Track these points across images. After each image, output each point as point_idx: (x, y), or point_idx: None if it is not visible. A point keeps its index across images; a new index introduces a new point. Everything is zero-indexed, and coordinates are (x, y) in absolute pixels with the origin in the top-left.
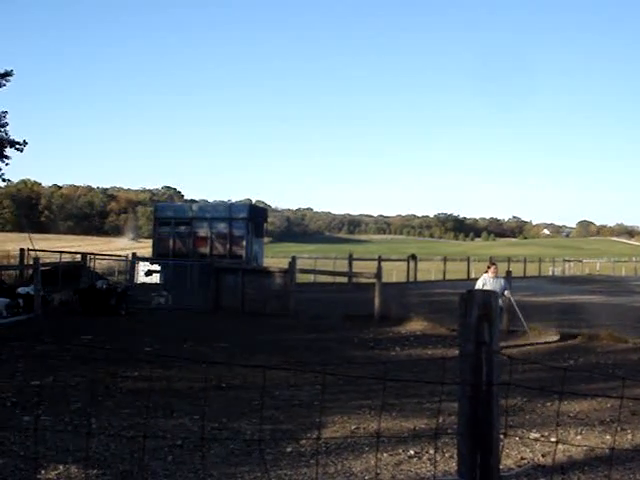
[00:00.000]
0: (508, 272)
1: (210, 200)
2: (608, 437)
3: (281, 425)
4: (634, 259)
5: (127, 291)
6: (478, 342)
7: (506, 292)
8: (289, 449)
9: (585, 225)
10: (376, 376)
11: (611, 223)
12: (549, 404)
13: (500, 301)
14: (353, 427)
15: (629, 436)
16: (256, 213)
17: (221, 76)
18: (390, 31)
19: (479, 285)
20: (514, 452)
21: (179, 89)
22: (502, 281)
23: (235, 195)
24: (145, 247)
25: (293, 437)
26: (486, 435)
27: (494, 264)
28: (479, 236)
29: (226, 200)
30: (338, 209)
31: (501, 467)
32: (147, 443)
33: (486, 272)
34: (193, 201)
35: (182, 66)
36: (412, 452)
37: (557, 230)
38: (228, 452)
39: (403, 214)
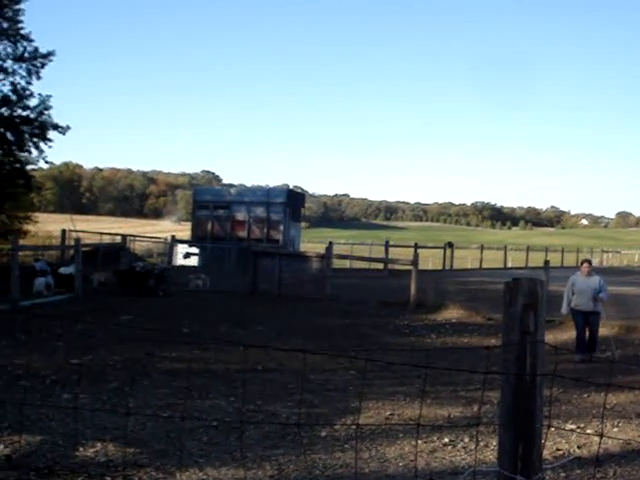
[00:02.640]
0: (546, 262)
1: (248, 184)
2: None
3: (316, 409)
4: None
5: (165, 273)
6: (523, 332)
7: (602, 294)
8: (324, 433)
9: (624, 216)
10: (415, 364)
11: None
12: (585, 395)
13: (592, 304)
14: (387, 413)
15: None
16: (294, 198)
17: (260, 61)
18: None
19: (568, 286)
20: (550, 443)
21: (219, 73)
22: (597, 280)
23: (273, 180)
24: (187, 230)
25: (328, 421)
26: (529, 427)
27: (587, 261)
28: (516, 225)
29: (264, 185)
30: (375, 195)
31: None
32: (183, 423)
33: (579, 270)
34: (231, 185)
35: (220, 50)
36: (447, 440)
37: (595, 220)
38: (263, 434)
39: (440, 202)
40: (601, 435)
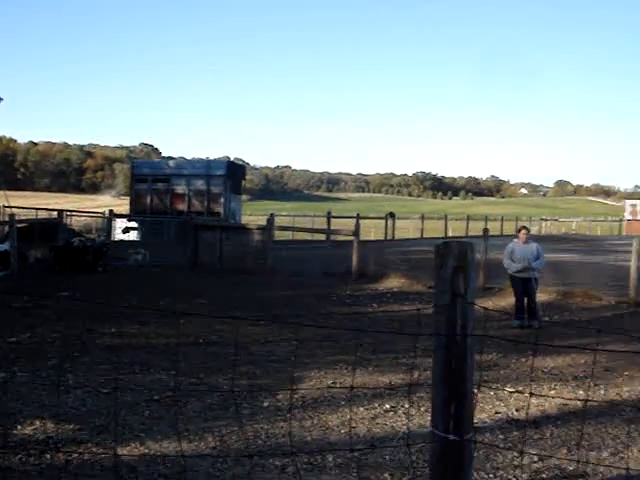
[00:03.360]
0: (485, 230)
1: (188, 157)
2: (581, 392)
3: (258, 380)
4: (610, 219)
5: (103, 248)
6: (453, 294)
7: (538, 261)
8: (266, 404)
9: (562, 184)
10: (353, 328)
11: (588, 183)
12: (524, 359)
13: (530, 271)
14: (330, 382)
15: (602, 391)
16: (234, 170)
17: (195, 30)
18: None
19: (507, 253)
20: (489, 406)
21: (154, 43)
22: (535, 247)
23: (213, 152)
24: (126, 204)
25: (270, 392)
26: (460, 386)
27: (525, 228)
28: (457, 195)
29: (204, 157)
30: (317, 167)
31: (476, 421)
32: (124, 398)
33: (516, 237)
34: (170, 158)
35: (155, 19)
36: (388, 406)
37: (534, 189)
38: (205, 406)
39: (382, 172)
40: (531, 394)
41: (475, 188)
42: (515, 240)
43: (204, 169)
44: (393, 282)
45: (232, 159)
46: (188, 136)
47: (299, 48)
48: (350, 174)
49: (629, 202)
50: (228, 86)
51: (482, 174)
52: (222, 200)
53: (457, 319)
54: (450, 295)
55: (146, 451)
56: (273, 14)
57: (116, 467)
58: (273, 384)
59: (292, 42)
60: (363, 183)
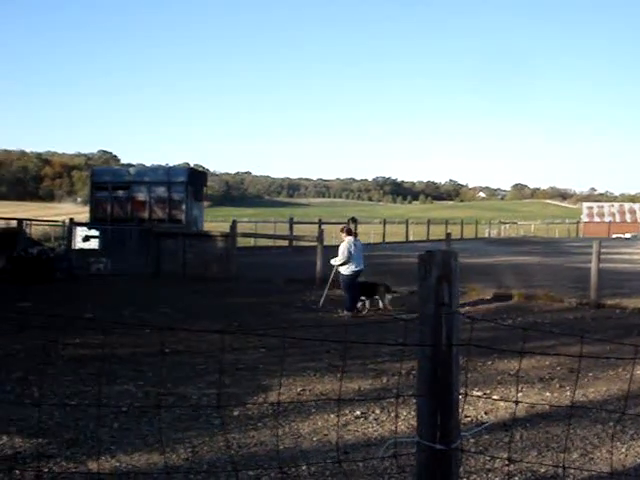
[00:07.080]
0: (448, 234)
1: (148, 164)
2: (548, 394)
3: (227, 389)
4: (567, 221)
5: (63, 257)
6: (438, 303)
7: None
8: (236, 413)
9: (519, 188)
10: (325, 339)
11: (544, 186)
12: (489, 362)
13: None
14: (299, 389)
15: (567, 393)
16: (195, 177)
17: (152, 36)
18: None
19: (349, 249)
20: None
21: (112, 51)
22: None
23: (173, 159)
24: (86, 212)
25: (239, 401)
26: (446, 396)
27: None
28: (417, 199)
29: (164, 164)
30: (277, 173)
31: None
32: (91, 411)
33: (351, 235)
34: (130, 165)
35: (116, 27)
36: (358, 413)
37: (492, 193)
38: (175, 417)
39: (342, 178)
40: (517, 401)
41: (434, 192)
42: (349, 238)
43: (165, 176)
44: None
45: (192, 166)
46: (147, 143)
47: (257, 54)
48: (310, 179)
49: (586, 204)
50: (186, 92)
51: (441, 178)
52: (184, 207)
53: (442, 328)
54: (434, 304)
55: (117, 464)
56: (212, 18)
57: None
58: (242, 393)
59: (250, 47)
60: (323, 188)
